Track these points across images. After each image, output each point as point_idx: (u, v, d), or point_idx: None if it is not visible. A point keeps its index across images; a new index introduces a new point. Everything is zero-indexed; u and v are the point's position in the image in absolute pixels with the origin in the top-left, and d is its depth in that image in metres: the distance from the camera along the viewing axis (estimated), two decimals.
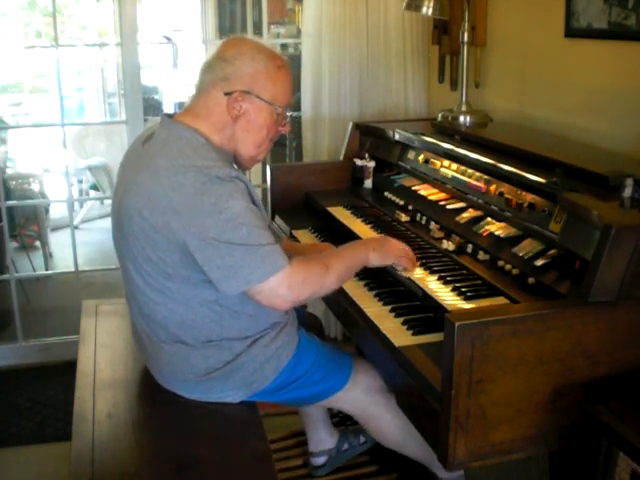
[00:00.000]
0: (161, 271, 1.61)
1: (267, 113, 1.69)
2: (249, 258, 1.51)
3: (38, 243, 4.75)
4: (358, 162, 2.65)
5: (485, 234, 1.87)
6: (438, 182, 2.24)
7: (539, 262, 1.62)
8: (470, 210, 2.02)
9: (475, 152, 2.08)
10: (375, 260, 1.75)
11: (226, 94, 1.65)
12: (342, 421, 2.46)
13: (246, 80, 1.65)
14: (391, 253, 1.76)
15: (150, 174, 1.57)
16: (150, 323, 1.71)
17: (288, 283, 1.55)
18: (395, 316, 1.69)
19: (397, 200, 2.36)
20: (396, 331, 1.61)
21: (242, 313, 1.66)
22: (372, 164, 2.62)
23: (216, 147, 1.65)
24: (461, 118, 2.55)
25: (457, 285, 1.70)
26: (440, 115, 2.62)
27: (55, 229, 5.21)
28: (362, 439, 2.31)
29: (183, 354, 1.69)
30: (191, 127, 1.64)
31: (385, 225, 2.21)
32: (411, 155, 2.46)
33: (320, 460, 2.27)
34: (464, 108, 2.57)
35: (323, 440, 2.26)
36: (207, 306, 1.65)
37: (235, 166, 1.73)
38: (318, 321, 2.35)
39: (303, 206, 2.66)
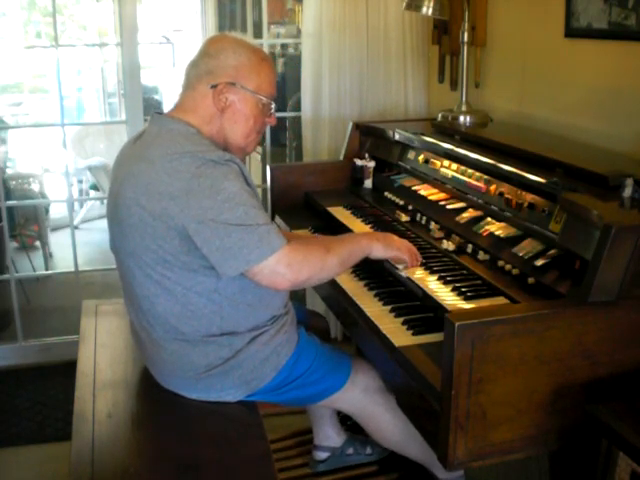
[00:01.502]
0: (161, 260, 1.62)
1: (252, 103, 1.73)
2: (247, 238, 1.53)
3: (38, 243, 4.75)
4: (358, 162, 2.65)
5: (485, 234, 1.87)
6: (438, 182, 2.24)
7: (539, 262, 1.62)
8: (470, 210, 2.02)
9: (475, 152, 2.08)
10: (378, 250, 1.76)
11: (212, 87, 1.69)
12: (342, 421, 2.46)
13: (230, 72, 1.69)
14: (394, 245, 1.78)
15: (145, 164, 1.60)
16: (150, 318, 1.71)
17: (287, 261, 1.56)
18: (395, 316, 1.69)
19: (397, 200, 2.36)
20: (396, 331, 1.61)
21: (241, 302, 1.67)
22: (372, 164, 2.62)
23: (206, 138, 1.68)
24: (461, 118, 2.55)
25: (457, 285, 1.70)
26: (440, 115, 2.62)
27: (55, 229, 5.21)
28: (369, 450, 2.31)
29: (183, 351, 1.70)
30: (181, 120, 1.68)
31: (385, 225, 2.21)
32: (411, 155, 2.46)
33: (322, 455, 2.27)
34: (464, 108, 2.57)
35: (329, 437, 2.27)
36: (206, 296, 1.65)
37: None
38: (324, 322, 2.35)
39: (303, 206, 2.66)
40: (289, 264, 1.57)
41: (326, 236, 2.01)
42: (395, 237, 1.82)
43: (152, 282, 1.66)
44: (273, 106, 1.79)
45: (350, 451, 2.29)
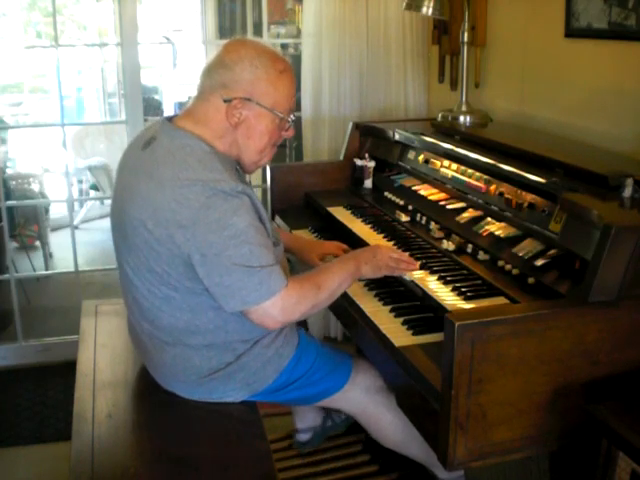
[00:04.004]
0: (165, 282, 1.60)
1: (268, 120, 1.66)
2: (247, 280, 1.51)
3: (38, 243, 4.75)
4: (358, 162, 2.65)
5: (485, 234, 1.87)
6: (438, 182, 2.24)
7: (539, 262, 1.62)
8: (470, 210, 2.02)
9: (475, 152, 2.08)
10: (367, 273, 1.75)
11: (225, 101, 1.61)
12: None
13: (245, 87, 1.61)
14: (382, 264, 1.75)
15: (154, 184, 1.55)
16: (154, 328, 1.70)
17: (282, 305, 1.56)
18: (395, 316, 1.69)
19: (397, 200, 2.36)
20: (396, 331, 1.61)
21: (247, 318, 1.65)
22: (372, 164, 2.61)
23: (220, 154, 1.63)
24: (461, 118, 2.55)
25: (457, 285, 1.70)
26: (440, 115, 2.62)
27: (55, 229, 5.21)
28: (343, 416, 2.35)
29: (186, 356, 1.69)
30: (193, 134, 1.61)
31: (385, 225, 2.21)
32: (411, 155, 2.46)
33: (306, 436, 2.33)
34: (464, 108, 2.57)
35: (310, 418, 2.31)
36: (213, 311, 1.64)
37: (239, 168, 1.73)
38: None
39: (303, 206, 2.66)
40: (283, 308, 1.56)
41: (334, 245, 2.02)
42: (384, 252, 1.77)
43: (156, 298, 1.64)
44: (291, 120, 1.71)
45: (329, 423, 2.34)
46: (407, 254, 1.86)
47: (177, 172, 1.53)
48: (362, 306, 1.76)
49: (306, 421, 2.32)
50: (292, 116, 1.72)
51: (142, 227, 1.56)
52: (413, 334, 1.59)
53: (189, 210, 1.50)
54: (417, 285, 1.76)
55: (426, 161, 2.35)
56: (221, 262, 1.50)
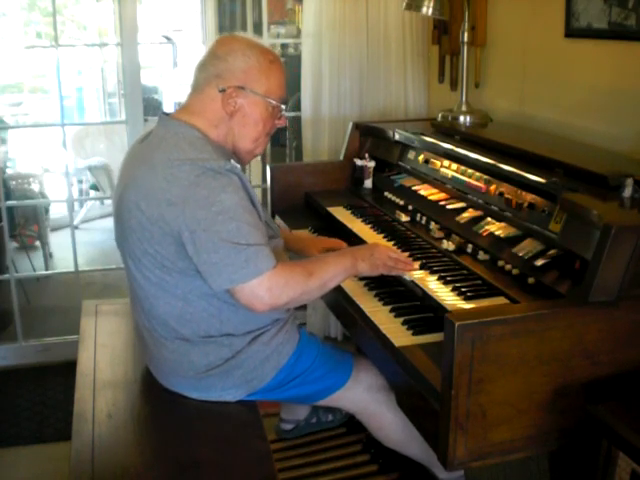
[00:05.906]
0: (159, 264, 1.62)
1: (262, 107, 1.72)
2: (234, 257, 1.52)
3: (38, 243, 4.74)
4: (358, 162, 2.65)
5: (485, 234, 1.87)
6: (438, 182, 2.24)
7: (539, 262, 1.63)
8: (470, 210, 2.02)
9: (475, 152, 2.08)
10: (364, 270, 1.75)
11: (220, 91, 1.68)
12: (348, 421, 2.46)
13: (239, 75, 1.68)
14: (380, 263, 1.75)
15: (147, 168, 1.60)
16: (151, 319, 1.72)
17: (269, 286, 1.56)
18: (395, 316, 1.69)
19: (397, 200, 2.36)
20: (396, 331, 1.61)
21: (241, 307, 1.66)
22: (372, 164, 2.62)
23: (213, 142, 1.67)
24: (461, 118, 2.55)
25: (457, 285, 1.70)
26: (440, 115, 2.62)
27: (55, 229, 5.20)
28: (330, 417, 2.42)
29: (183, 350, 1.70)
30: (188, 123, 1.67)
31: (385, 225, 2.21)
32: (411, 155, 2.46)
33: (288, 426, 2.39)
34: (464, 108, 2.57)
35: (296, 411, 2.37)
36: (206, 299, 1.66)
37: (233, 161, 1.74)
38: None
39: (303, 206, 2.66)
40: (269, 288, 1.56)
41: (334, 241, 2.03)
42: (382, 251, 1.77)
43: (151, 284, 1.66)
44: (283, 108, 1.78)
45: (314, 420, 2.40)
46: (406, 254, 1.86)
47: (168, 154, 1.59)
48: (362, 306, 1.76)
49: (291, 413, 2.38)
50: (284, 105, 1.78)
51: (136, 208, 1.60)
52: (413, 334, 1.59)
53: (179, 188, 1.54)
54: (417, 285, 1.76)
55: (426, 161, 2.35)
56: (209, 238, 1.52)
